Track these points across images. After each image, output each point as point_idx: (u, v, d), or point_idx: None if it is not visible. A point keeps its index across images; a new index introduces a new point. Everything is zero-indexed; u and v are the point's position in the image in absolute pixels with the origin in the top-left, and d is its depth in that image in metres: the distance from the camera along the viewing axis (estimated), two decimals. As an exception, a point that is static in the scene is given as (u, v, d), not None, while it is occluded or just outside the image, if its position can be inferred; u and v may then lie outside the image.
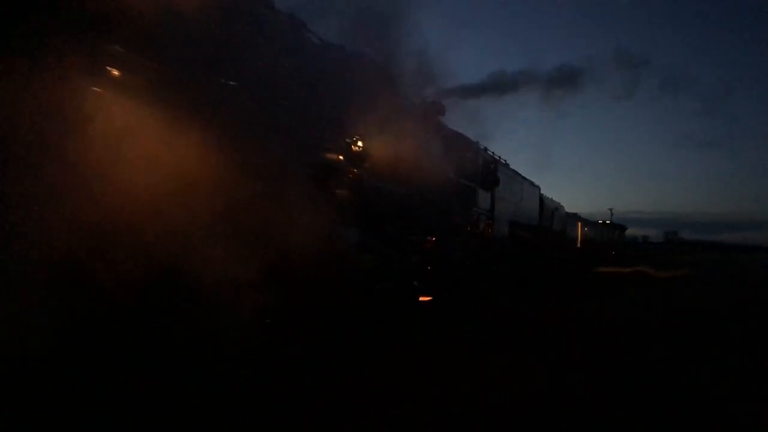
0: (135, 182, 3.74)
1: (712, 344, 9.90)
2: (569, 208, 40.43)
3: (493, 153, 16.85)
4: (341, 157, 6.36)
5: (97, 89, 3.67)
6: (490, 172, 14.48)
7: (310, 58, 6.05)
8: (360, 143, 6.71)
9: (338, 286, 6.14)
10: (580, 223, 39.50)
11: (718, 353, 9.07)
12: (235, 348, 4.47)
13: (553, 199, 29.36)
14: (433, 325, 10.29)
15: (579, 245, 39.09)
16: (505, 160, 18.68)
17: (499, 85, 14.98)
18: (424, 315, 11.18)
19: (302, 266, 5.15)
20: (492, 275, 15.85)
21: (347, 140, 6.56)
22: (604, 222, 56.66)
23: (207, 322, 4.25)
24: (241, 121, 4.56)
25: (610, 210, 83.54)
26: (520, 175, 19.78)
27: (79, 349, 3.59)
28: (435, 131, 10.91)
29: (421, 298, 11.80)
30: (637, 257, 55.62)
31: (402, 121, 8.80)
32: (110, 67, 3.81)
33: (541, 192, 24.58)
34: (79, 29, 3.49)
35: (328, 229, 5.62)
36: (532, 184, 21.99)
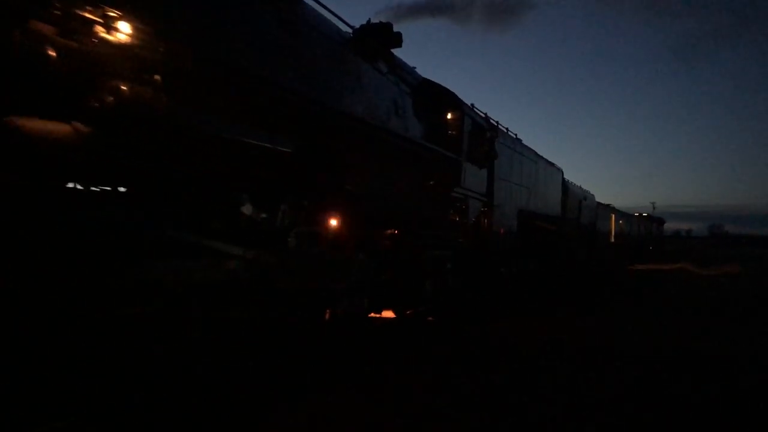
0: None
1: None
2: (607, 200, 36.25)
3: (497, 122, 13.16)
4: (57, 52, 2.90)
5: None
6: (484, 141, 10.81)
7: None
8: (144, 32, 3.20)
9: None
10: (613, 216, 35.22)
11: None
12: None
13: (582, 186, 25.36)
14: (379, 359, 6.75)
15: (613, 240, 34.87)
16: (516, 135, 14.98)
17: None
18: (377, 341, 7.69)
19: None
20: (491, 280, 12.18)
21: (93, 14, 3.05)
22: (640, 214, 52.01)
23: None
24: None
25: (653, 204, 79.37)
26: (534, 152, 15.99)
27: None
28: (383, 67, 7.36)
29: (375, 315, 8.32)
30: (679, 252, 50.69)
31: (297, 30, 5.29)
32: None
33: (566, 177, 20.67)
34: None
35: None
36: (552, 165, 18.15)
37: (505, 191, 12.36)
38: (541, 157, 16.77)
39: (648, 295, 16.35)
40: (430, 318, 9.79)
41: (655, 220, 61.53)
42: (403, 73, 8.28)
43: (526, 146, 15.28)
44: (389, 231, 8.24)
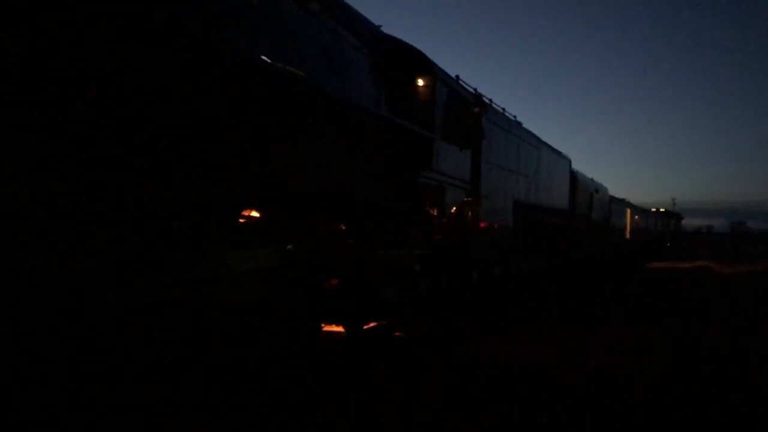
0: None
1: None
2: (625, 196, 34.14)
3: (490, 100, 11.27)
4: None
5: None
6: (467, 117, 8.93)
7: None
8: None
9: None
10: (629, 210, 33.09)
11: None
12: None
13: (594, 179, 23.32)
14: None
15: (628, 236, 32.74)
16: (515, 117, 13.07)
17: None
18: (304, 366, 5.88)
19: None
20: (482, 283, 10.31)
21: None
22: (658, 210, 49.76)
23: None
24: None
25: (673, 200, 77.48)
26: (536, 137, 14.06)
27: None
28: (314, 7, 5.52)
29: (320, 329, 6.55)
30: (699, 249, 48.22)
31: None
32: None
33: (575, 168, 18.68)
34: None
35: None
36: (557, 153, 16.19)
37: (496, 179, 10.47)
38: (545, 143, 14.82)
39: (666, 298, 14.30)
40: (399, 333, 7.96)
41: (673, 216, 59.26)
42: (350, 20, 6.42)
43: (525, 129, 13.35)
44: (332, 226, 6.44)
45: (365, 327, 7.18)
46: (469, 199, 9.23)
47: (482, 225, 9.76)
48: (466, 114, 8.88)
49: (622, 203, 31.74)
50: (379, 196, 6.82)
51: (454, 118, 8.36)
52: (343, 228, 6.59)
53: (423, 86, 7.72)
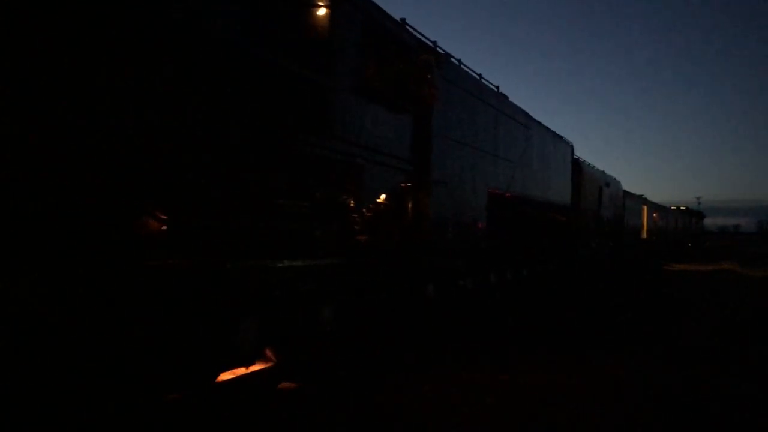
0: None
1: None
2: (649, 197, 31.20)
3: (461, 61, 8.65)
4: None
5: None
6: (404, 66, 6.28)
7: None
8: None
9: None
10: (646, 208, 30.07)
11: None
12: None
13: (605, 172, 20.50)
14: None
15: (645, 236, 29.74)
16: (498, 87, 10.45)
17: None
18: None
19: None
20: (438, 302, 7.67)
21: None
22: (678, 208, 46.52)
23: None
24: None
25: (698, 199, 74.79)
26: (525, 113, 11.36)
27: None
28: None
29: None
30: (721, 249, 44.90)
31: None
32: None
33: (578, 157, 15.91)
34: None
35: None
36: (555, 137, 13.46)
37: (458, 160, 7.82)
38: (537, 122, 12.10)
39: (684, 312, 11.48)
40: (288, 384, 5.34)
41: (694, 215, 55.80)
42: None
43: (510, 103, 10.70)
44: (146, 224, 3.90)
45: (217, 380, 4.62)
46: (410, 184, 6.60)
47: (438, 221, 7.13)
48: (405, 63, 6.25)
49: (639, 200, 28.79)
50: (231, 174, 4.24)
51: (379, 64, 5.74)
52: (164, 226, 4.04)
53: (320, 10, 5.11)
